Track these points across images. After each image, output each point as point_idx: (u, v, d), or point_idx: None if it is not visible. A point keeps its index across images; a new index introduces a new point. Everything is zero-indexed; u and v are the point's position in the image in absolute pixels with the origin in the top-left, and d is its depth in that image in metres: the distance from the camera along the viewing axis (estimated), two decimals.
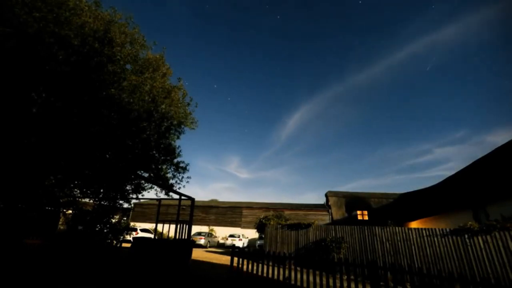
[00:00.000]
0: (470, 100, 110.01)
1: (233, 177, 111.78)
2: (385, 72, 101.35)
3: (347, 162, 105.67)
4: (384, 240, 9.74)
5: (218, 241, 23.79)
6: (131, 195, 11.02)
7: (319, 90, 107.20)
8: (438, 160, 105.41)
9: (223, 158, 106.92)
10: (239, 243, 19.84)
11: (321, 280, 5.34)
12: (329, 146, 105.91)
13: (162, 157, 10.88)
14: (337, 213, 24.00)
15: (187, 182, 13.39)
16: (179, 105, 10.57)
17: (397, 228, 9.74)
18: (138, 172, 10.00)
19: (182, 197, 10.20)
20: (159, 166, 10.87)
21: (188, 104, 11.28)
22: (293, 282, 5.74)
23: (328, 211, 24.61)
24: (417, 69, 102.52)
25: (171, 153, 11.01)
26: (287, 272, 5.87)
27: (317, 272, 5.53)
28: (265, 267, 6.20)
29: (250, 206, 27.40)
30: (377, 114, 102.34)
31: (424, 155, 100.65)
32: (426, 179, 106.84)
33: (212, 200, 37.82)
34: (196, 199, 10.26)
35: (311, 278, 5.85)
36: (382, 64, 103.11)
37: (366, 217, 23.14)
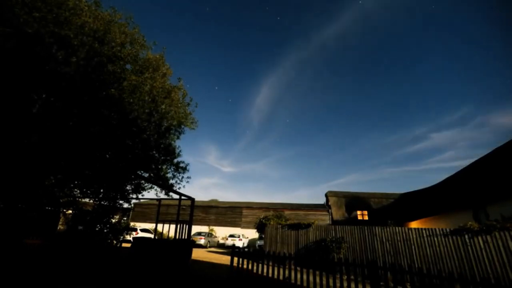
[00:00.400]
0: (470, 63, 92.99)
1: (216, 171, 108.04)
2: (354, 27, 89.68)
3: (332, 152, 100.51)
4: (384, 240, 9.73)
5: (218, 241, 23.78)
6: (131, 195, 11.02)
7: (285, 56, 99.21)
8: (435, 148, 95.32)
9: (200, 148, 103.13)
10: (239, 243, 19.82)
11: (321, 280, 5.34)
12: (308, 132, 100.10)
13: (162, 157, 10.88)
14: (337, 213, 23.99)
15: (187, 182, 13.41)
16: (179, 105, 10.57)
17: (397, 228, 9.74)
18: (138, 172, 10.00)
19: (182, 197, 10.20)
20: (159, 166, 10.87)
21: (188, 104, 11.30)
22: (293, 281, 5.74)
23: (328, 211, 24.60)
24: (400, 24, 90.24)
25: (171, 153, 11.01)
26: (287, 272, 5.86)
27: (317, 272, 5.52)
28: (265, 267, 6.20)
29: (250, 206, 27.40)
30: (356, 88, 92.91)
31: (419, 142, 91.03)
32: (423, 173, 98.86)
33: (212, 200, 37.85)
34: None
35: (311, 278, 5.84)
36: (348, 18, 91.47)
37: (366, 217, 23.13)
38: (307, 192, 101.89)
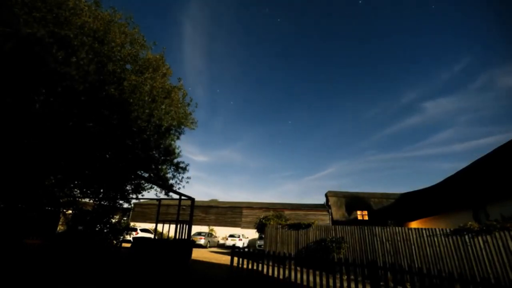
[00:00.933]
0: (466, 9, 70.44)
1: (189, 162, 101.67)
2: None
3: (310, 134, 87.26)
4: (384, 240, 9.73)
5: (218, 241, 23.79)
6: (131, 195, 11.02)
7: None
8: (430, 125, 76.29)
9: None
10: (239, 243, 19.83)
11: (321, 280, 5.34)
12: (273, 103, 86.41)
13: (162, 157, 10.88)
14: (337, 213, 23.99)
15: (187, 182, 13.40)
16: (179, 105, 10.58)
17: (397, 228, 9.74)
18: (138, 172, 9.99)
19: (182, 197, 10.20)
20: (159, 166, 10.87)
21: (188, 104, 11.31)
22: (293, 281, 5.74)
23: (328, 211, 24.60)
24: None
25: (171, 153, 11.01)
26: (287, 272, 5.86)
27: (317, 272, 5.52)
28: (265, 267, 6.20)
29: (250, 206, 27.40)
30: (321, 32, 72.39)
31: (410, 115, 73.50)
32: (417, 160, 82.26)
33: (212, 200, 37.86)
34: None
35: (311, 278, 5.85)
36: None
37: (366, 217, 23.13)
38: (296, 187, 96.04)
